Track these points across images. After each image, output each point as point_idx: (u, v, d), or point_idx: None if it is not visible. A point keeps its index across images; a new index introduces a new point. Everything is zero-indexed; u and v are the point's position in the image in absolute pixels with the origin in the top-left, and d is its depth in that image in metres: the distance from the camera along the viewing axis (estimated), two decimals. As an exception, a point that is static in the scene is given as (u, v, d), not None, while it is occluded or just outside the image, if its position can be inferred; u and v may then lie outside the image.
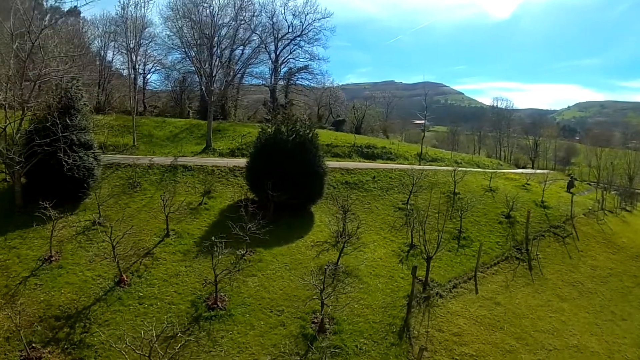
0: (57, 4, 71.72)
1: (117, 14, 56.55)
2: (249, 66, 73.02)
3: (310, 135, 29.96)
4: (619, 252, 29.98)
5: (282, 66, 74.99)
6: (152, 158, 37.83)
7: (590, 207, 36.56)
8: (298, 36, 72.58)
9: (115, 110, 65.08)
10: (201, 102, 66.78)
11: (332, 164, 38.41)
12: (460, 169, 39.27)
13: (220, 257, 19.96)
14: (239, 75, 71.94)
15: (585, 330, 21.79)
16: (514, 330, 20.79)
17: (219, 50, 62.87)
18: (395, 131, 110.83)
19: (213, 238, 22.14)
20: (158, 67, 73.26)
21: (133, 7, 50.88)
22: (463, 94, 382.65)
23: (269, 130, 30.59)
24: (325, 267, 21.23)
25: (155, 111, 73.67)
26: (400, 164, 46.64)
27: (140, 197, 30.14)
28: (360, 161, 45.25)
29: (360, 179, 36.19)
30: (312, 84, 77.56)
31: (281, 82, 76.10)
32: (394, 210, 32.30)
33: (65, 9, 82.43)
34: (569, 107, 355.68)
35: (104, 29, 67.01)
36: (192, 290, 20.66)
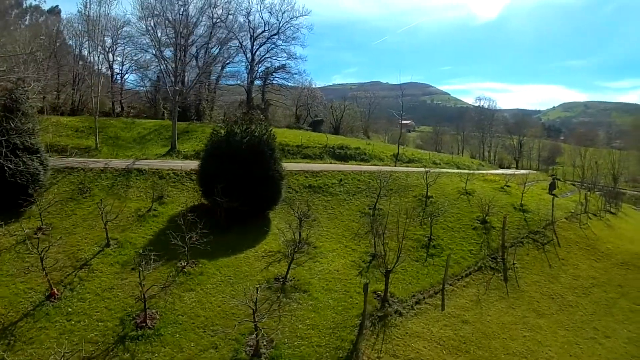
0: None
1: (79, 12, 53.34)
2: (227, 65, 70.26)
3: (265, 136, 27.07)
4: (603, 260, 27.22)
5: (259, 65, 71.97)
6: (110, 161, 35.46)
7: (572, 210, 33.87)
8: (275, 34, 69.65)
9: (89, 111, 62.26)
10: (174, 102, 63.68)
11: (298, 165, 35.71)
12: (433, 170, 36.28)
13: (150, 270, 18.03)
14: (214, 75, 68.96)
15: (563, 352, 18.92)
16: (481, 353, 17.89)
17: (192, 49, 60.11)
18: (379, 131, 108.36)
19: (142, 251, 20.80)
20: (135, 67, 70.57)
21: (97, 4, 47.45)
22: (449, 94, 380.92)
23: (221, 131, 27.78)
24: (257, 286, 18.11)
25: (132, 112, 71.30)
26: (375, 165, 43.89)
27: (88, 204, 27.50)
28: (331, 162, 42.38)
29: (325, 182, 33.26)
30: (289, 84, 74.62)
31: (258, 82, 73.05)
32: (360, 215, 29.43)
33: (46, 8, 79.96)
34: (554, 107, 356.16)
35: (81, 27, 64.39)
36: (124, 306, 18.26)
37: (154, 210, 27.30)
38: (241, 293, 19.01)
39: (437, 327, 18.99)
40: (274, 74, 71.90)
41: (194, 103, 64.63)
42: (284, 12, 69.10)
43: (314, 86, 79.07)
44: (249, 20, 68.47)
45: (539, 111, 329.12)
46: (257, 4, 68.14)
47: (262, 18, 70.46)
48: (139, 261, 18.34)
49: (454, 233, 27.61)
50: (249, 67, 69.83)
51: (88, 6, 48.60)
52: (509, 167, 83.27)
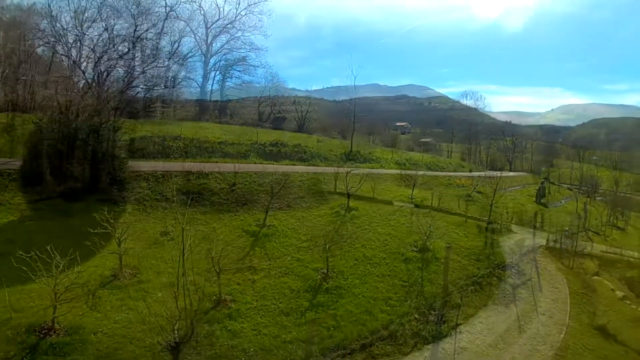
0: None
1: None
2: (186, 60, 60.00)
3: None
4: (616, 317, 15.82)
5: (217, 58, 61.07)
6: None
7: (567, 228, 22.47)
8: (231, 23, 58.67)
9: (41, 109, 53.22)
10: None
11: (177, 164, 25.02)
12: (358, 171, 24.80)
13: None
14: (169, 70, 58.64)
15: None
16: None
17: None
18: (373, 133, 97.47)
19: None
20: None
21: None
22: (448, 97, 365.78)
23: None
24: None
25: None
26: (313, 165, 32.92)
27: None
28: (257, 162, 31.29)
29: (211, 187, 22.33)
30: (251, 78, 63.33)
31: (218, 77, 62.22)
32: (241, 235, 18.57)
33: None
34: (552, 109, 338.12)
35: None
36: None
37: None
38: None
39: None
40: (233, 67, 60.92)
41: (143, 100, 54.53)
42: (240, -2, 58.20)
43: (278, 81, 67.63)
44: (202, 8, 57.78)
45: (538, 114, 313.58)
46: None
47: (217, 5, 59.64)
48: None
49: (370, 267, 16.45)
50: (204, 60, 59.03)
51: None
52: (501, 169, 71.60)
